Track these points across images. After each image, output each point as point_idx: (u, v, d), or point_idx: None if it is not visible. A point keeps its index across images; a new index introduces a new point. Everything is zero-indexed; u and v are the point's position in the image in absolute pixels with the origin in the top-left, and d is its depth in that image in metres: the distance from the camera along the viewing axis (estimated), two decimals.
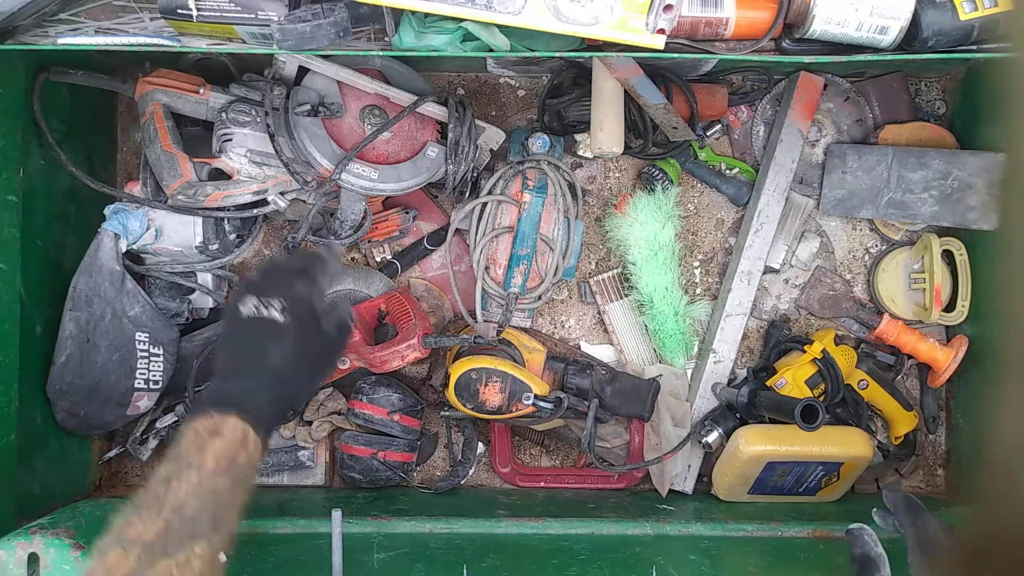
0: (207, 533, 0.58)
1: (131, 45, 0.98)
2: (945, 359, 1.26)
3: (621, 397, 1.19)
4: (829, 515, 1.18)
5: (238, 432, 0.64)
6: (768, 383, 1.22)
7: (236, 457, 0.63)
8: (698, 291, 1.34)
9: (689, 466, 1.27)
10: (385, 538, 1.06)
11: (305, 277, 0.79)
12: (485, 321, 1.20)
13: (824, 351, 1.21)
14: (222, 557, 0.59)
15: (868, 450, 1.18)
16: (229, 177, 1.14)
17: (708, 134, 1.32)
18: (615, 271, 1.31)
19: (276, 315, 0.72)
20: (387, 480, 1.23)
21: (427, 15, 0.94)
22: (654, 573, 0.96)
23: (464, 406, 1.15)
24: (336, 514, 0.90)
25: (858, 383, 1.27)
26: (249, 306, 0.74)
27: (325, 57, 1.12)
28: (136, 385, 1.18)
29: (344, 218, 1.16)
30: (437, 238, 1.31)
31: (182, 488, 0.59)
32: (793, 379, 1.20)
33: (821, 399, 1.21)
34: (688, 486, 1.27)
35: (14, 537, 0.83)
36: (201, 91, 1.13)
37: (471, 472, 1.29)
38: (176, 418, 1.23)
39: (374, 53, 1.00)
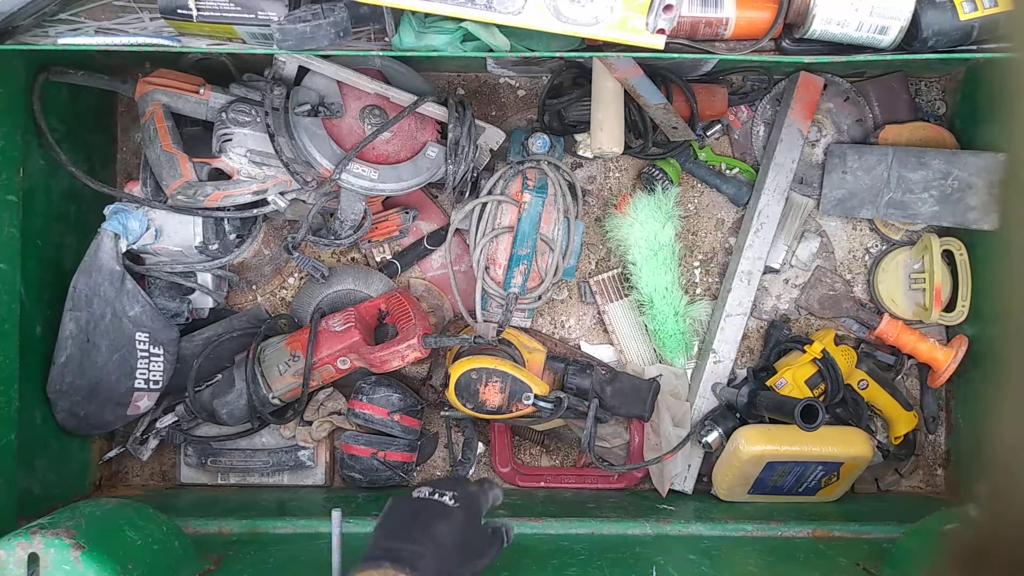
0: None
1: (131, 45, 0.98)
2: (945, 359, 1.26)
3: (621, 397, 1.19)
4: (829, 515, 1.18)
5: None
6: (768, 383, 1.22)
7: None
8: (698, 291, 1.34)
9: (689, 466, 1.27)
10: None
11: (476, 486, 0.87)
12: (485, 321, 1.20)
13: (824, 351, 1.21)
14: None
15: (868, 450, 1.18)
16: (229, 177, 1.14)
17: (708, 134, 1.32)
18: (615, 271, 1.31)
19: (447, 501, 0.80)
20: (387, 480, 1.23)
21: (427, 15, 0.94)
22: (654, 573, 0.96)
23: (464, 406, 1.15)
24: (336, 514, 0.90)
25: (858, 383, 1.27)
26: (423, 491, 0.82)
27: (325, 57, 1.12)
28: (136, 385, 1.18)
29: (344, 218, 1.16)
30: (437, 238, 1.31)
31: None
32: (793, 379, 1.20)
33: (821, 399, 1.21)
34: (688, 486, 1.27)
35: (14, 537, 0.83)
36: (201, 91, 1.13)
37: (471, 472, 1.29)
38: (176, 418, 1.23)
39: (374, 53, 1.00)
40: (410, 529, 0.77)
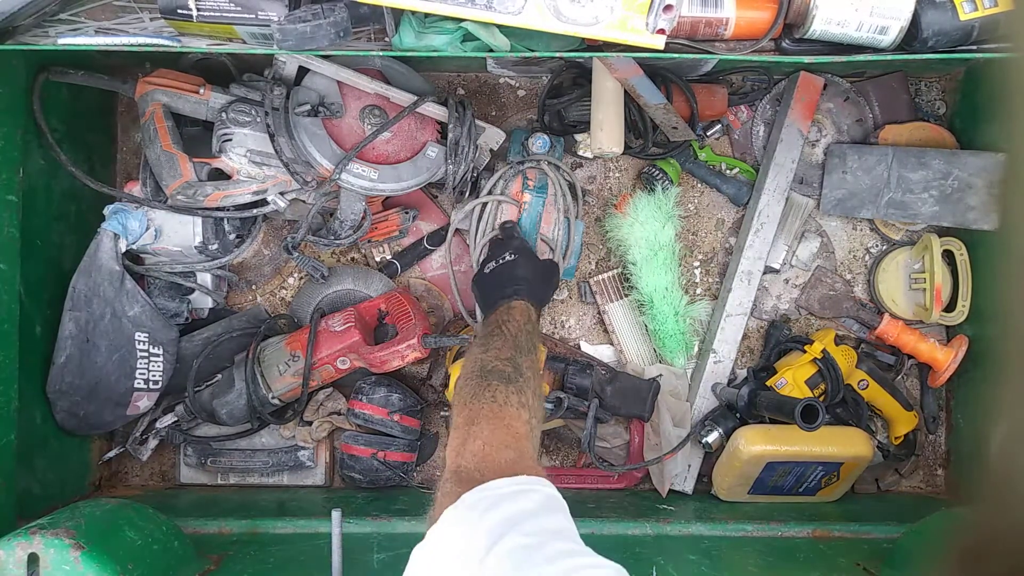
0: (533, 352, 0.94)
1: (131, 45, 0.98)
2: (945, 359, 1.26)
3: (621, 397, 1.19)
4: (829, 515, 1.18)
5: (524, 306, 1.00)
6: (768, 383, 1.22)
7: (530, 316, 1.00)
8: (698, 291, 1.34)
9: (689, 466, 1.27)
10: (385, 538, 1.06)
11: (517, 240, 1.13)
12: None
13: (824, 351, 1.21)
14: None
15: (868, 450, 1.18)
16: (229, 177, 1.14)
17: (708, 134, 1.32)
18: (615, 271, 1.31)
19: (509, 256, 1.07)
20: (387, 480, 1.23)
21: (427, 15, 0.94)
22: (654, 573, 0.96)
23: None
24: (336, 514, 0.90)
25: (858, 383, 1.27)
26: (490, 265, 1.08)
27: (325, 57, 1.12)
28: (136, 385, 1.18)
29: (344, 218, 1.16)
30: (437, 238, 1.31)
31: (511, 328, 0.95)
32: (793, 379, 1.20)
33: (821, 399, 1.21)
34: (688, 486, 1.27)
35: (14, 537, 0.83)
36: (201, 91, 1.13)
37: None
38: (176, 418, 1.23)
39: (374, 53, 1.00)
40: (505, 283, 1.04)
